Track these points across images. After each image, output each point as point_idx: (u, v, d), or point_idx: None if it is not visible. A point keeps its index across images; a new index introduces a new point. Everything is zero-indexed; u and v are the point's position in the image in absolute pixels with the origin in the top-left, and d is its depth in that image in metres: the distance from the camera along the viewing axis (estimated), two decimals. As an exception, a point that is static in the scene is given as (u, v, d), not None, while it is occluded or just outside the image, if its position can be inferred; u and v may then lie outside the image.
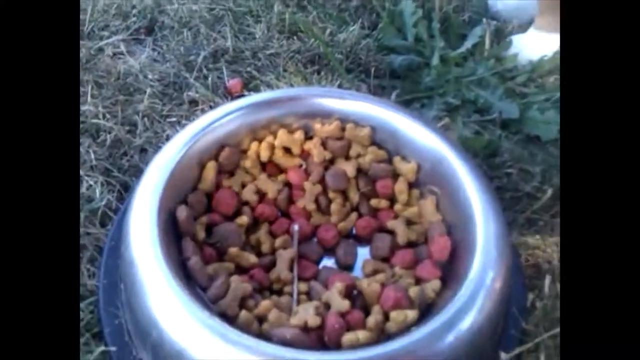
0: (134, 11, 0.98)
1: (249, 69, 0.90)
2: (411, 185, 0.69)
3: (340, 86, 0.87)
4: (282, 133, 0.69)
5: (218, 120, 0.68)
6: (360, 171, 0.70)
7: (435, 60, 0.96)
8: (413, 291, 0.57)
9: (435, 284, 0.59)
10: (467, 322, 0.53)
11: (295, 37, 0.95)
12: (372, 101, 0.73)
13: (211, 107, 0.82)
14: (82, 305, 0.61)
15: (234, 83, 0.86)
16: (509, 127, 0.86)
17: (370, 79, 0.91)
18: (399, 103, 0.85)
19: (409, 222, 0.66)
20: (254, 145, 0.69)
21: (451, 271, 0.61)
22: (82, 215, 0.69)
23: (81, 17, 0.95)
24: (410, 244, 0.65)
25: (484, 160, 0.80)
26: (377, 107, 0.72)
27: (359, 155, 0.70)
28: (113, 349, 0.58)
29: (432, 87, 0.92)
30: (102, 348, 0.58)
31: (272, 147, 0.69)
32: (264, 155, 0.69)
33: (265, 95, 0.77)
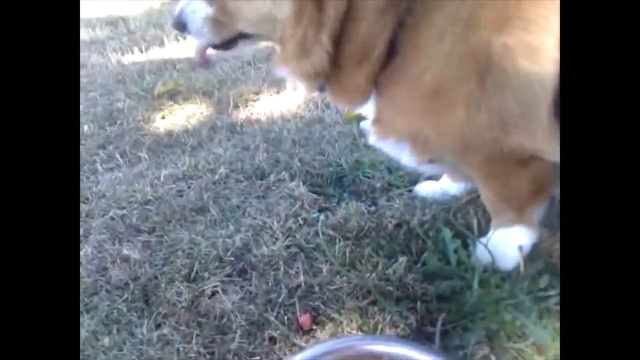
0: (228, 254, 1.25)
1: (317, 302, 1.10)
2: None
3: (391, 319, 1.04)
4: (339, 379, 0.86)
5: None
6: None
7: (475, 284, 1.11)
8: None
9: None
10: None
11: (354, 270, 1.16)
12: (414, 347, 0.89)
13: (286, 344, 1.02)
14: None
15: (305, 319, 1.06)
16: (545, 353, 0.96)
17: (418, 304, 1.08)
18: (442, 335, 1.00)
19: None
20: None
21: None
22: None
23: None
24: None
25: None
26: (418, 354, 0.87)
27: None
28: None
29: (473, 312, 1.06)
30: None
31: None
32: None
33: (323, 346, 0.95)
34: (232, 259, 1.24)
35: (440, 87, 0.95)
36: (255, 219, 1.36)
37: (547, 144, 0.93)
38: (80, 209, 1.49)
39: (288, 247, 1.25)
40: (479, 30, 0.91)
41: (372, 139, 1.13)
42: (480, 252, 1.16)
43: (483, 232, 1.22)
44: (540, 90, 0.90)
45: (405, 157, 1.10)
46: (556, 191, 1.10)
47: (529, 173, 1.01)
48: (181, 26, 1.09)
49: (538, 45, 0.89)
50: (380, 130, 1.09)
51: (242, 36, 1.09)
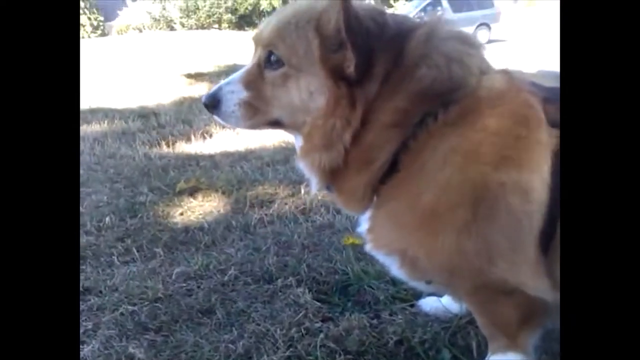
0: (230, 360, 1.27)
1: (312, 419, 1.11)
2: None
3: None
4: None
5: None
6: None
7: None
8: None
9: None
10: None
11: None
12: None
13: None
14: None
15: None
16: None
17: None
18: None
19: None
20: None
21: None
22: None
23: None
24: None
25: None
26: None
27: None
28: None
29: None
30: None
31: None
32: None
33: None
34: (233, 366, 1.26)
35: (435, 209, 1.00)
36: (259, 325, 1.39)
37: (531, 279, 0.98)
38: (93, 302, 1.54)
39: (288, 357, 1.27)
40: (478, 164, 0.99)
41: (367, 248, 1.17)
42: (478, 377, 1.17)
43: (482, 354, 1.23)
44: (528, 227, 0.96)
45: (395, 272, 1.13)
46: (554, 319, 1.12)
47: (515, 301, 1.04)
48: (214, 104, 1.09)
49: (529, 187, 0.97)
50: (373, 241, 1.12)
51: (274, 123, 1.11)
